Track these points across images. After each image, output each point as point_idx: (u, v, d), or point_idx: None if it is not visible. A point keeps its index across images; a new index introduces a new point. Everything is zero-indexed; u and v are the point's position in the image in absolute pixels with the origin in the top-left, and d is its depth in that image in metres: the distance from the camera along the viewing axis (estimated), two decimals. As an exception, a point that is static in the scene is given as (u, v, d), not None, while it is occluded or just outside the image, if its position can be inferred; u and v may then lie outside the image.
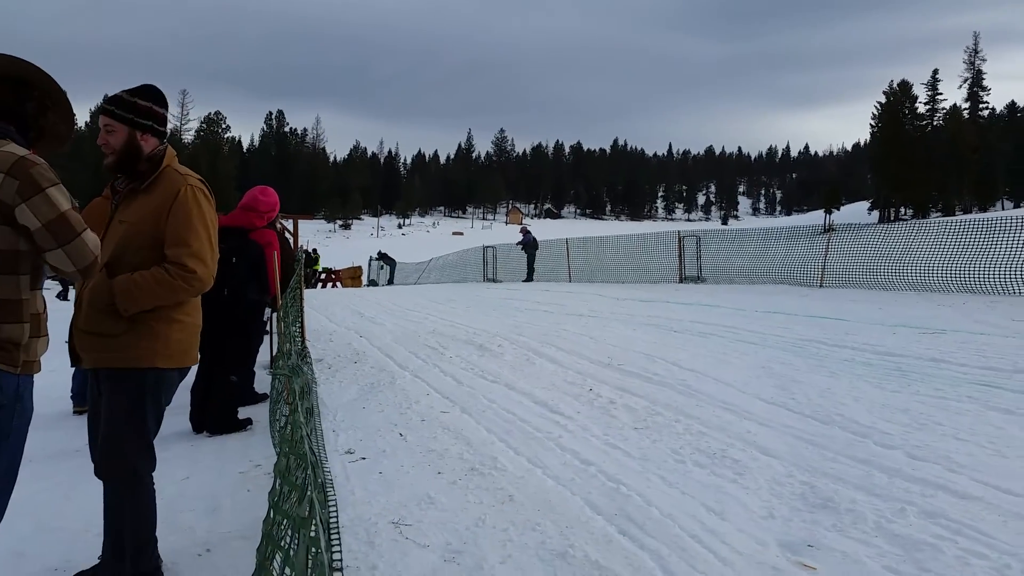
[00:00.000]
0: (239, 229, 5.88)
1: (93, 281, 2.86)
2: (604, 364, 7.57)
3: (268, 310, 5.98)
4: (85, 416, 6.00)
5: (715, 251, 21.99)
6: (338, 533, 3.49)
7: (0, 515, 2.37)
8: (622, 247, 26.15)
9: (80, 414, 6.15)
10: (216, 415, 5.51)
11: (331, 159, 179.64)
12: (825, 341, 8.56)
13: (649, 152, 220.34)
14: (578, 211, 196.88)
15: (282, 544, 1.94)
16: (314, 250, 33.90)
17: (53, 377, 7.06)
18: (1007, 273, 13.58)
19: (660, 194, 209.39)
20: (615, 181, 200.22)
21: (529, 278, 25.70)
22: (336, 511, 3.80)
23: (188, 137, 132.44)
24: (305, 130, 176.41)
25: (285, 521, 2.03)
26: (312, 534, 1.59)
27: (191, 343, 3.03)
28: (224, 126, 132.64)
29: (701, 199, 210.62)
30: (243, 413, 5.78)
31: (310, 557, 1.51)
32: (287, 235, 15.19)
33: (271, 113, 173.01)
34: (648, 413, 5.67)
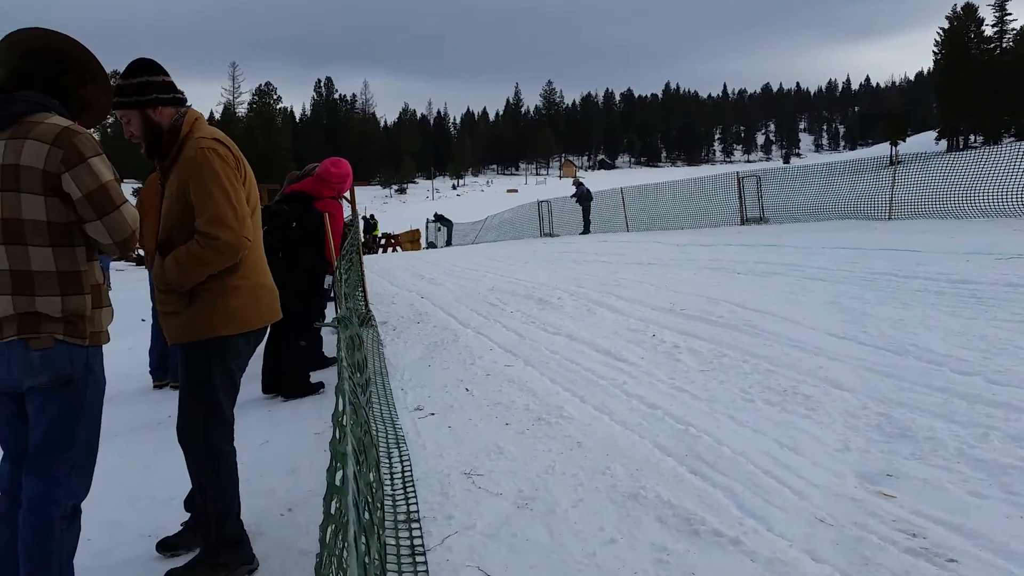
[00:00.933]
0: (305, 196, 5.97)
1: (155, 265, 2.93)
2: (666, 310, 7.49)
3: (329, 277, 6.07)
4: (164, 389, 6.28)
5: (776, 191, 21.37)
6: (413, 486, 3.60)
7: (87, 485, 2.46)
8: (679, 193, 25.68)
9: (160, 388, 6.41)
10: (289, 380, 5.66)
11: (382, 123, 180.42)
12: (896, 273, 8.28)
13: (703, 94, 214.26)
14: (632, 160, 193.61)
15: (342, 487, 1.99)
16: (371, 216, 34.30)
17: (131, 355, 7.41)
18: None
19: (717, 136, 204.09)
20: (669, 127, 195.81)
21: (586, 230, 25.51)
22: (410, 465, 3.91)
23: (242, 111, 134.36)
24: (354, 96, 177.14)
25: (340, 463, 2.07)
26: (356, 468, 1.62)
27: (256, 306, 2.99)
28: (276, 97, 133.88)
29: (760, 139, 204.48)
30: (315, 377, 5.94)
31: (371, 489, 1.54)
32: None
33: (320, 80, 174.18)
34: (714, 355, 5.60)
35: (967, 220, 14.15)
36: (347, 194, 13.10)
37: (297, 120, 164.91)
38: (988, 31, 76.32)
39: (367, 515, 1.80)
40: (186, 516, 3.29)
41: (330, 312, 7.49)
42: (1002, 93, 69.78)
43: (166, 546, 3.13)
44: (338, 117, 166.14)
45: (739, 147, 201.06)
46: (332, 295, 6.75)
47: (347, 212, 17.63)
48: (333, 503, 1.63)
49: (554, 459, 3.79)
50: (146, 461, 4.44)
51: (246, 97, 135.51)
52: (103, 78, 2.58)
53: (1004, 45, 76.95)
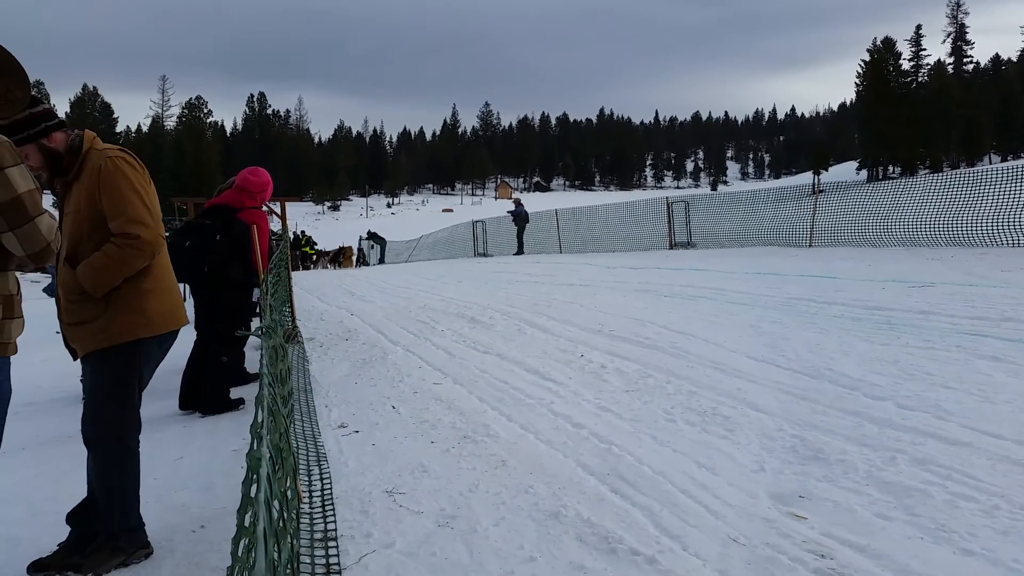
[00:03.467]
0: (227, 207, 5.83)
1: (62, 277, 2.98)
2: (595, 331, 7.59)
3: (256, 291, 5.94)
4: (77, 404, 6.01)
5: (704, 216, 21.95)
6: (332, 503, 3.53)
7: None
8: (611, 216, 26.11)
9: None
10: (208, 395, 5.50)
11: (316, 140, 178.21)
12: (814, 299, 8.59)
13: (636, 120, 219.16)
14: (567, 183, 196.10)
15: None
16: (303, 232, 33.74)
17: (45, 367, 7.08)
18: (995, 225, 13.61)
19: (648, 162, 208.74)
20: (603, 151, 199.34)
21: (520, 251, 25.67)
22: (330, 483, 3.83)
23: (170, 124, 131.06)
24: (288, 111, 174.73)
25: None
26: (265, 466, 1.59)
27: (169, 309, 3.10)
28: (206, 111, 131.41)
29: (690, 166, 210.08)
30: (236, 393, 5.78)
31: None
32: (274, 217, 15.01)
33: (252, 95, 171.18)
34: (639, 376, 5.69)
35: (884, 248, 14.79)
36: (277, 208, 12.89)
37: (228, 134, 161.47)
38: (905, 65, 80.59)
39: (280, 521, 1.76)
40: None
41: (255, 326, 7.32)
42: (918, 126, 73.64)
43: (38, 567, 3.00)
44: (271, 132, 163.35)
45: (669, 173, 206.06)
46: (258, 311, 6.60)
47: (276, 225, 17.23)
48: (248, 516, 1.59)
49: (478, 477, 3.78)
50: (55, 475, 4.25)
51: (175, 111, 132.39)
52: (18, 72, 2.51)
53: (920, 79, 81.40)
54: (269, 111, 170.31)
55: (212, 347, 5.57)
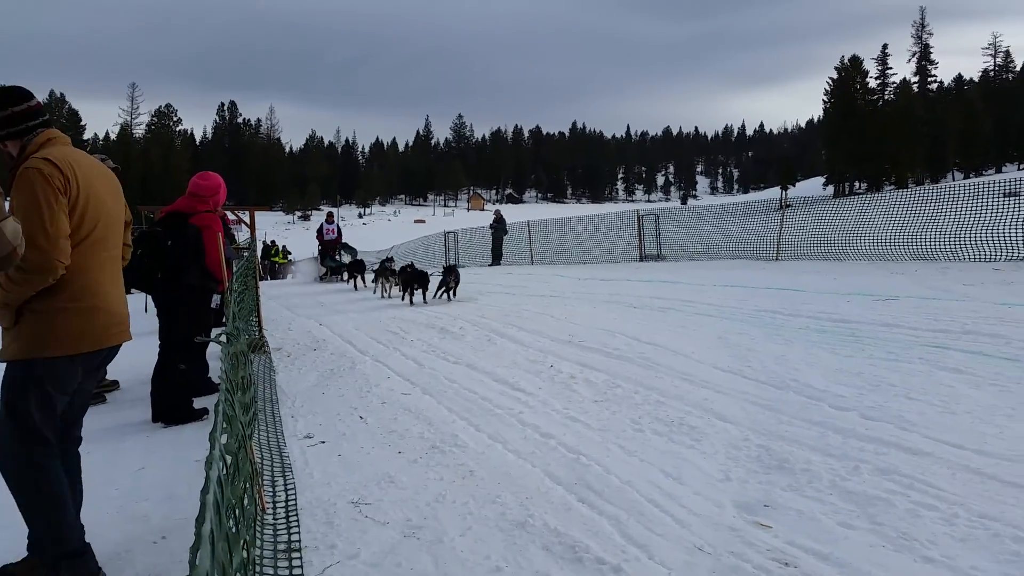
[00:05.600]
0: (179, 214, 5.77)
1: None
2: (565, 341, 7.60)
3: (216, 296, 5.84)
4: None
5: (674, 229, 22.15)
6: (297, 514, 3.49)
7: None
8: (583, 229, 26.23)
9: None
10: (168, 405, 5.40)
11: (287, 149, 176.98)
12: (781, 311, 8.70)
13: (608, 134, 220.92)
14: (539, 195, 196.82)
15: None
16: (272, 241, 33.45)
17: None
18: (957, 240, 13.91)
19: (620, 176, 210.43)
20: (575, 164, 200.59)
21: (496, 262, 25.65)
22: (295, 493, 3.78)
23: (139, 132, 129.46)
24: (259, 120, 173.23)
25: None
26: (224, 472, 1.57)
27: (86, 329, 2.91)
28: (175, 119, 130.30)
29: (660, 180, 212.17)
30: (201, 403, 5.68)
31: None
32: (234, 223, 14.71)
33: (223, 104, 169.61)
34: (608, 386, 5.71)
35: (849, 263, 15.03)
36: (246, 217, 12.73)
37: (198, 143, 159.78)
38: (872, 83, 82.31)
39: (234, 527, 1.73)
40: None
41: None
42: (884, 142, 75.11)
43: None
44: (241, 141, 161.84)
45: (641, 187, 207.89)
46: (224, 320, 6.51)
47: (245, 235, 16.81)
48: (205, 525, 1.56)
49: (445, 487, 3.76)
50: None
51: (145, 118, 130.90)
52: None
53: (886, 97, 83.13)
54: (240, 120, 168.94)
55: (171, 355, 5.48)
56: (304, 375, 6.74)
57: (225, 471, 1.78)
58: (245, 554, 2.01)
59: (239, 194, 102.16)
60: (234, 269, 6.69)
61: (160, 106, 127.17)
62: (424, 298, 12.05)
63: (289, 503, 3.63)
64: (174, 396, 5.40)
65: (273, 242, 33.72)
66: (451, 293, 12.18)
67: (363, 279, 16.02)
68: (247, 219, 12.16)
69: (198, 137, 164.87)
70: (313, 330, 9.54)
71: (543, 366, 6.55)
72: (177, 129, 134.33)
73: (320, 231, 20.30)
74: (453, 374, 6.44)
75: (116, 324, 3.06)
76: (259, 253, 24.90)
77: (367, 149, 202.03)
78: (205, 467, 1.52)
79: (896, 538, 3.00)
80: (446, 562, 2.91)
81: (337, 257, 19.82)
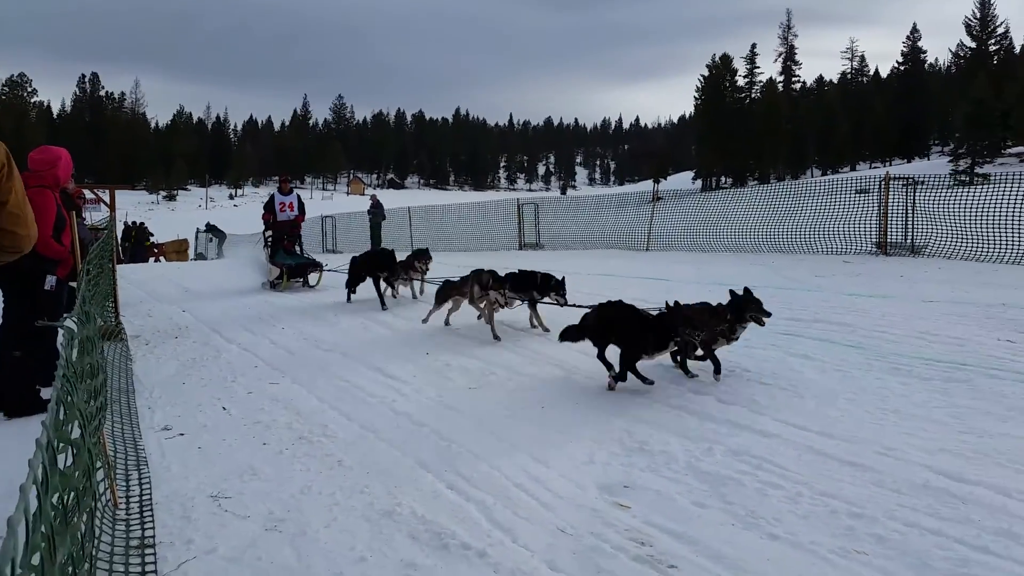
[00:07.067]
0: None
1: None
2: (441, 328, 7.59)
3: (51, 278, 5.32)
4: None
5: (552, 219, 22.56)
6: (151, 509, 3.32)
7: None
8: (464, 216, 26.24)
9: None
10: (9, 395, 4.99)
11: (153, 125, 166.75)
12: (647, 300, 8.98)
13: (491, 122, 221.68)
14: (422, 181, 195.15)
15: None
16: (134, 223, 31.49)
17: None
18: (812, 234, 14.92)
19: (503, 164, 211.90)
20: (458, 151, 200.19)
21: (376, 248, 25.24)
22: (150, 488, 3.60)
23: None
24: (123, 94, 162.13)
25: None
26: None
27: None
28: (30, 89, 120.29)
29: (541, 169, 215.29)
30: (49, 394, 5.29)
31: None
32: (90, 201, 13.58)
33: (84, 76, 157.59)
34: (482, 373, 5.76)
35: (713, 253, 15.81)
36: (106, 196, 11.89)
37: (55, 116, 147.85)
38: (741, 81, 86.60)
39: (58, 518, 1.63)
40: None
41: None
42: (750, 139, 79.33)
43: None
44: (103, 115, 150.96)
45: (522, 176, 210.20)
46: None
47: (104, 214, 15.51)
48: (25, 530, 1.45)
49: (312, 479, 3.69)
50: None
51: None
52: None
53: (753, 95, 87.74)
54: (102, 93, 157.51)
55: (5, 342, 5.06)
56: (163, 364, 6.41)
57: (49, 461, 1.67)
58: (81, 550, 1.90)
59: (100, 172, 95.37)
60: (88, 251, 6.23)
61: (12, 75, 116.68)
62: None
63: (144, 497, 3.46)
64: (14, 385, 5.00)
65: (135, 222, 31.74)
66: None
67: (394, 287, 9.76)
68: (107, 198, 11.41)
69: (56, 110, 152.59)
70: (175, 316, 9.07)
71: (419, 353, 6.52)
72: (32, 101, 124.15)
73: (270, 206, 12.70)
74: (325, 361, 6.31)
75: None
76: (119, 234, 23.35)
77: (240, 127, 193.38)
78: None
79: (745, 516, 3.19)
80: (309, 554, 2.86)
81: (299, 250, 12.65)
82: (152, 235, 30.56)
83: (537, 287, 7.45)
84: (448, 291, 7.75)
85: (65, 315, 3.24)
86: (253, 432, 4.48)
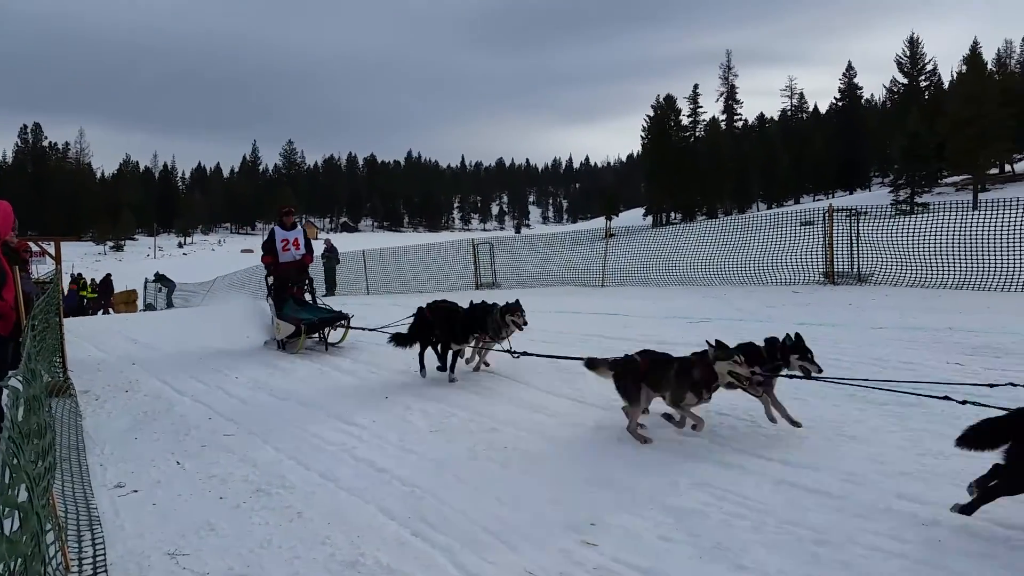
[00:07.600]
0: None
1: None
2: (400, 371, 7.53)
3: None
4: None
5: (508, 257, 22.66)
6: (106, 570, 3.19)
7: None
8: (419, 257, 26.19)
9: None
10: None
11: (99, 175, 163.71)
12: (606, 335, 9.10)
13: (443, 164, 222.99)
14: (376, 224, 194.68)
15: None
16: (80, 275, 30.72)
17: None
18: (760, 266, 15.24)
19: (456, 205, 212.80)
20: (411, 193, 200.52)
21: (330, 292, 24.99)
22: (104, 548, 3.46)
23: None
24: (67, 144, 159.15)
25: None
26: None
27: None
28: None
29: (495, 209, 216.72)
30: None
31: None
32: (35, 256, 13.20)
33: (26, 126, 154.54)
34: (443, 416, 5.71)
35: (667, 287, 16.03)
36: (52, 249, 11.58)
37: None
38: (685, 120, 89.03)
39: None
40: None
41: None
42: (696, 176, 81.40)
43: None
44: (47, 166, 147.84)
45: (476, 216, 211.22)
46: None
47: (49, 267, 15.10)
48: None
49: (271, 532, 3.59)
50: None
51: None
52: None
53: (697, 133, 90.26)
54: (45, 143, 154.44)
55: None
56: (115, 419, 6.22)
57: None
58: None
59: (45, 224, 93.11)
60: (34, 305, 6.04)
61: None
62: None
63: (97, 559, 3.33)
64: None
65: (80, 275, 30.94)
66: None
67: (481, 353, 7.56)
68: (52, 251, 11.13)
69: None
70: (125, 370, 8.82)
71: (378, 398, 6.45)
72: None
73: (270, 245, 10.18)
74: (281, 411, 6.20)
75: None
76: (65, 288, 22.68)
77: (188, 175, 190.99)
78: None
79: (711, 548, 3.20)
80: (271, 611, 2.77)
81: (310, 295, 10.25)
82: (95, 288, 29.71)
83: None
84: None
85: (10, 373, 3.13)
86: (209, 486, 4.35)
